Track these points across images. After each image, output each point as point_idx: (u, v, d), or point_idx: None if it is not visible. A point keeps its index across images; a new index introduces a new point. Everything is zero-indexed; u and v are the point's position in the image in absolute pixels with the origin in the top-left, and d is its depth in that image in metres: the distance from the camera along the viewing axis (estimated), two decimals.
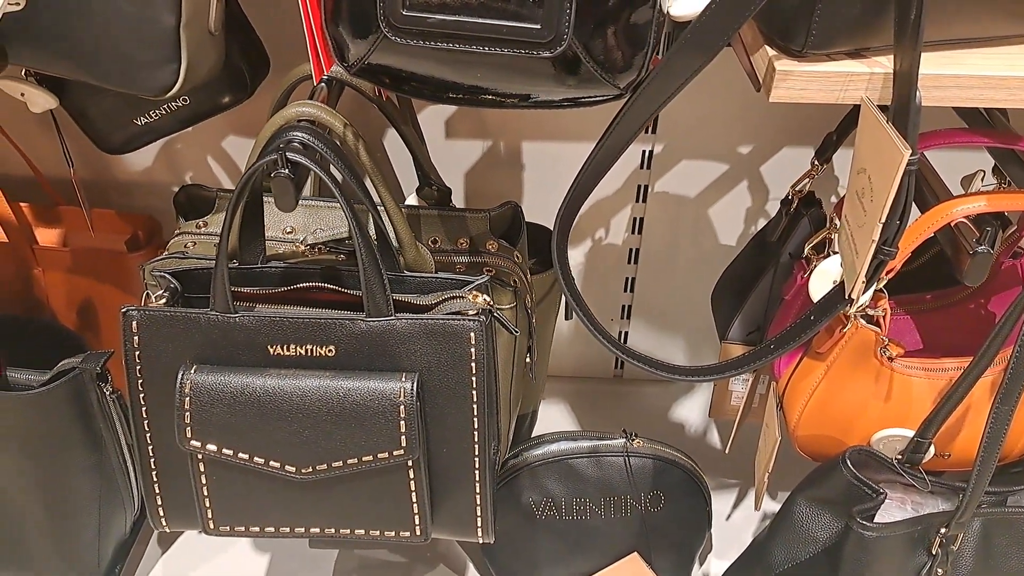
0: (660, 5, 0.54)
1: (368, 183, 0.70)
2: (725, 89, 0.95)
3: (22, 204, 0.95)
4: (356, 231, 0.63)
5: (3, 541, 0.84)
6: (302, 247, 0.79)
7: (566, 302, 0.94)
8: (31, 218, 0.96)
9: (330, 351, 0.66)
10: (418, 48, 0.55)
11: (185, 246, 0.79)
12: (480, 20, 0.53)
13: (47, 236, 0.96)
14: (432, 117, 1.00)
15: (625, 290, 1.15)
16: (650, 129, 1.01)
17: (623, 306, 1.17)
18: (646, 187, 1.05)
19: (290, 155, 0.61)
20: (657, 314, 1.17)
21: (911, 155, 0.53)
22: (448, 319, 0.66)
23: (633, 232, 1.09)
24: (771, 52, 0.58)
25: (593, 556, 0.93)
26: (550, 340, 1.01)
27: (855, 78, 0.57)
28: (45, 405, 0.78)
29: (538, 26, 0.52)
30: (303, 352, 0.66)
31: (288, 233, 0.81)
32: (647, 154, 1.03)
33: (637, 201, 1.07)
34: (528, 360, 0.84)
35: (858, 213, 0.60)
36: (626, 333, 1.19)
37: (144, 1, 0.64)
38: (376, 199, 0.70)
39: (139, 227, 0.95)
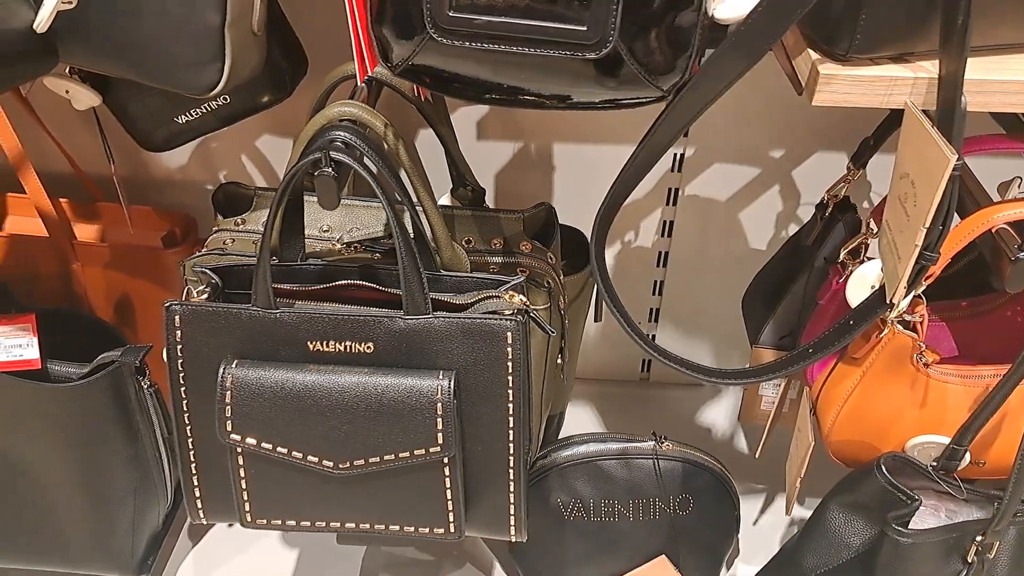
0: (705, 8, 0.55)
1: (406, 182, 0.71)
2: (757, 92, 0.95)
3: (62, 200, 0.97)
4: (397, 230, 0.63)
5: (41, 531, 0.86)
6: (338, 245, 0.79)
7: (595, 304, 0.95)
8: (70, 214, 0.97)
9: (368, 348, 0.67)
10: (463, 49, 0.56)
11: (224, 243, 0.80)
12: (526, 22, 0.53)
13: (85, 232, 0.98)
14: (464, 118, 1.00)
15: (653, 293, 1.15)
16: None
17: (651, 309, 1.17)
18: (677, 190, 1.05)
19: (334, 154, 0.62)
20: (685, 318, 1.17)
21: (956, 160, 0.53)
22: (485, 318, 0.66)
23: (663, 235, 1.09)
24: (814, 56, 0.58)
25: (620, 558, 0.93)
26: (579, 342, 1.02)
27: (899, 82, 0.57)
28: (85, 397, 0.79)
29: (584, 28, 0.53)
30: (342, 348, 0.67)
31: (324, 232, 0.82)
32: (678, 157, 1.03)
33: (667, 204, 1.07)
34: (560, 361, 0.84)
35: (900, 218, 0.60)
36: (654, 336, 1.19)
37: (191, 1, 0.65)
38: (414, 199, 0.71)
39: (176, 224, 0.96)
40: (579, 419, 1.16)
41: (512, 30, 0.54)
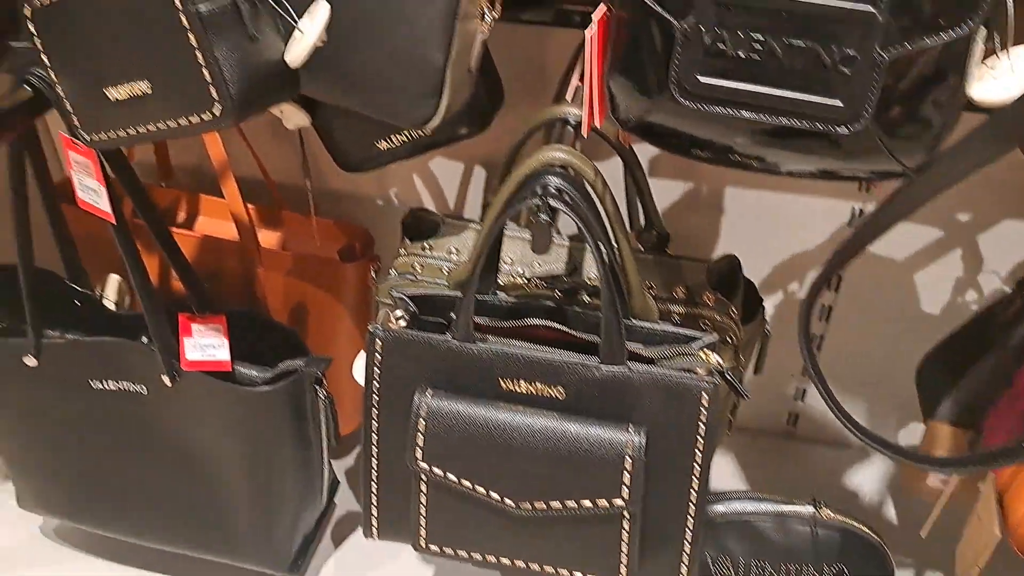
0: (964, 87, 0.53)
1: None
2: None
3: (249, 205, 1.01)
4: (609, 278, 0.64)
5: (214, 524, 0.90)
6: (521, 280, 0.80)
7: (758, 358, 0.93)
8: (256, 220, 1.02)
9: (560, 393, 0.67)
10: (700, 112, 0.56)
11: (413, 267, 0.82)
12: (779, 93, 0.53)
13: (268, 238, 1.02)
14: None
15: None
16: (863, 187, 0.98)
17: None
18: None
19: (551, 201, 0.63)
20: (841, 376, 1.13)
21: None
22: (682, 377, 0.65)
23: (830, 289, 1.06)
24: None
25: None
26: None
27: None
28: (269, 401, 0.83)
29: (840, 103, 0.52)
30: (533, 390, 0.67)
31: (507, 264, 0.83)
32: (857, 212, 1.00)
33: None
34: (730, 417, 0.83)
35: None
36: (804, 391, 1.16)
37: (420, 39, 0.67)
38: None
39: (355, 238, 0.99)
40: (720, 468, 1.14)
41: (760, 99, 0.53)
